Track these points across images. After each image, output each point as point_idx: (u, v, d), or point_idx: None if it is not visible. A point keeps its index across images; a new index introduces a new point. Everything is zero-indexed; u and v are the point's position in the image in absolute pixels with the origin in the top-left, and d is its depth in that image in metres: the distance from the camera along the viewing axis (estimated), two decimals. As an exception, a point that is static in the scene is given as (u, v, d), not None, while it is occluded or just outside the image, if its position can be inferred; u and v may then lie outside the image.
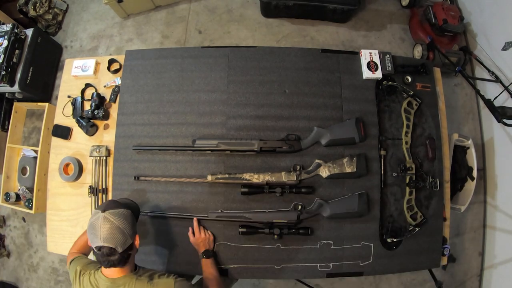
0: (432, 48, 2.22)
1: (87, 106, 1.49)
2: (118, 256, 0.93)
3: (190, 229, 1.28)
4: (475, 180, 1.81)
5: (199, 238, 1.26)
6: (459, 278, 2.18)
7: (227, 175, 1.30)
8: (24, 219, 2.35)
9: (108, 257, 0.93)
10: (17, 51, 2.13)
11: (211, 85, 1.41)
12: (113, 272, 0.99)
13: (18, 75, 2.15)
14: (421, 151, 1.42)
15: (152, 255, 1.33)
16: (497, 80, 2.06)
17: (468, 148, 1.86)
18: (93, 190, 1.40)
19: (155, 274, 1.04)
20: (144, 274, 1.03)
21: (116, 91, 1.49)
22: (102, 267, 1.00)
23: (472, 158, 1.84)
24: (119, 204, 1.02)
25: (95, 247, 0.93)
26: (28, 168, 2.17)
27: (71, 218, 1.43)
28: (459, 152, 1.87)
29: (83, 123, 1.44)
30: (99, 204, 1.23)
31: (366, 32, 2.53)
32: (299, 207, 1.29)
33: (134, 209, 1.08)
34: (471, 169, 1.84)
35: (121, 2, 2.37)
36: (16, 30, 2.11)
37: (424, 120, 1.44)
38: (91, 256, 1.17)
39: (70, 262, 1.10)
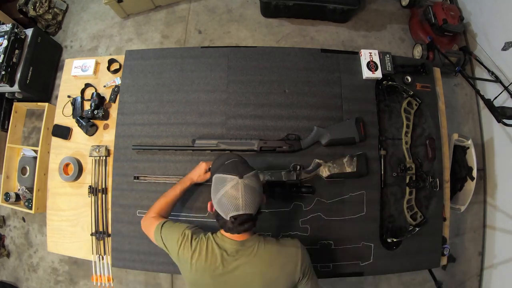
0: (432, 48, 2.22)
1: (87, 106, 1.49)
2: (253, 221, 0.89)
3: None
4: (475, 180, 1.81)
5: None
6: (459, 278, 2.18)
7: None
8: (24, 219, 2.35)
9: (243, 224, 0.87)
10: (17, 51, 2.13)
11: (211, 85, 1.41)
12: (241, 235, 0.92)
13: (18, 75, 2.14)
14: (421, 151, 1.42)
15: (152, 255, 1.32)
16: (497, 80, 2.06)
17: (468, 148, 1.86)
18: (93, 190, 1.40)
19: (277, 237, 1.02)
20: (267, 234, 0.98)
21: (116, 91, 1.49)
22: (222, 230, 0.94)
23: (472, 158, 1.83)
24: (246, 162, 0.96)
25: (230, 217, 0.86)
26: (28, 168, 2.17)
27: (71, 218, 1.43)
28: (459, 152, 1.87)
29: (83, 123, 1.44)
30: (225, 166, 0.91)
31: (366, 32, 2.53)
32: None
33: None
34: (471, 169, 1.84)
35: (121, 2, 2.37)
36: (16, 30, 2.11)
37: (424, 120, 1.44)
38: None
39: (162, 226, 1.02)
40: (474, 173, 1.82)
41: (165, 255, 1.31)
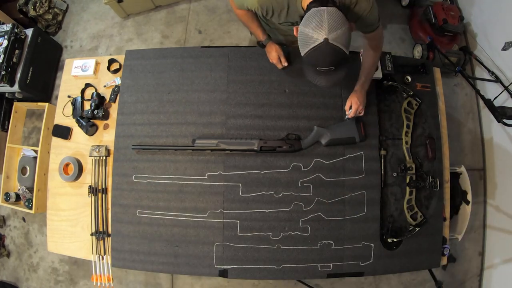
0: (432, 48, 2.22)
1: (87, 106, 1.49)
2: None
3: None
4: (470, 204, 1.78)
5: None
6: (459, 278, 2.18)
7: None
8: (24, 219, 2.35)
9: None
10: (17, 51, 2.13)
11: (211, 85, 1.41)
12: None
13: (18, 75, 2.15)
14: (421, 151, 1.42)
15: (151, 256, 1.33)
16: (497, 80, 2.06)
17: (461, 173, 1.84)
18: (93, 190, 1.40)
19: None
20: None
21: (116, 91, 1.49)
22: None
23: (466, 183, 1.80)
24: None
25: None
26: (28, 168, 2.17)
27: (71, 218, 1.43)
28: (452, 178, 1.82)
29: (83, 123, 1.44)
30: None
31: (366, 32, 2.53)
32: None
33: None
34: (465, 192, 1.81)
35: (121, 2, 2.37)
36: (16, 30, 2.11)
37: (424, 120, 1.44)
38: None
39: None
40: (469, 197, 1.79)
41: (165, 255, 1.32)
